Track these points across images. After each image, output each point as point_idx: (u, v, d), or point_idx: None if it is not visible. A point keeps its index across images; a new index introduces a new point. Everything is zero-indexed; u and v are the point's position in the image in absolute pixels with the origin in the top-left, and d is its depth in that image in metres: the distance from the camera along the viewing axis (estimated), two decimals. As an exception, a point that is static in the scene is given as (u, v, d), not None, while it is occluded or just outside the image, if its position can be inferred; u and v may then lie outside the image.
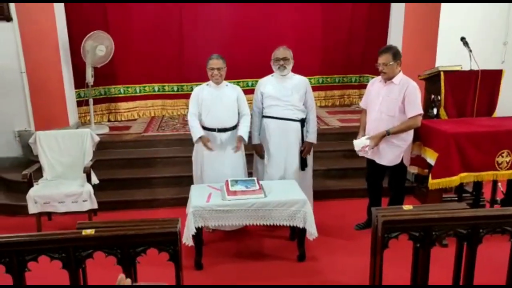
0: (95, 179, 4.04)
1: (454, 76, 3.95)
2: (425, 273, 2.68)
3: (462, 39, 4.09)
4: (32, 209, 3.67)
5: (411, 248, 2.68)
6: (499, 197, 4.03)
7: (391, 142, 3.46)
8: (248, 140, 3.70)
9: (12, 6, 4.74)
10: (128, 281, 1.32)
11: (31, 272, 2.36)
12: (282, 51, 3.65)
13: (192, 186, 3.54)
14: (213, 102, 3.61)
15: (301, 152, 3.77)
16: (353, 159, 5.05)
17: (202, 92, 3.67)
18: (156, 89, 6.49)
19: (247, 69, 6.27)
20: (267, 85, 3.73)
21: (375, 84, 3.55)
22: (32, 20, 4.86)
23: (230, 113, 3.65)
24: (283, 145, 3.71)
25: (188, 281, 2.85)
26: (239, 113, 3.72)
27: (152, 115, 6.46)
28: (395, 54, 3.33)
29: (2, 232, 2.66)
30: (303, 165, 3.82)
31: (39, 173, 4.07)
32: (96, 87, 5.90)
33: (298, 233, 3.35)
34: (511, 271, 2.63)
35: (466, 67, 4.01)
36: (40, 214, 3.79)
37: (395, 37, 5.68)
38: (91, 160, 4.02)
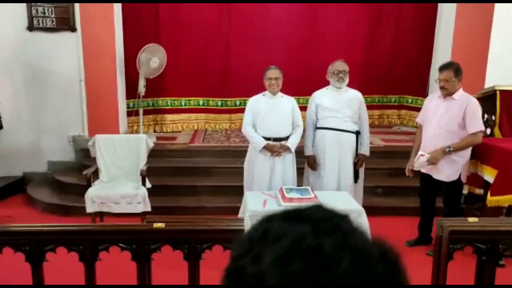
0: (148, 183, 4.15)
1: (511, 96, 3.93)
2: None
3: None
4: (90, 208, 3.80)
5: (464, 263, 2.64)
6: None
7: (449, 158, 3.44)
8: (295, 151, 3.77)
9: (77, 17, 5.02)
10: None
11: (102, 262, 2.45)
12: (342, 64, 3.74)
13: (247, 193, 3.60)
14: (269, 112, 3.71)
15: (355, 164, 3.80)
16: (399, 177, 5.00)
17: (258, 102, 3.78)
18: (201, 103, 6.65)
19: (292, 87, 6.36)
20: (323, 97, 3.80)
21: (433, 100, 3.57)
22: (93, 32, 5.13)
23: (285, 123, 3.73)
24: (339, 156, 3.75)
25: None
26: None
27: (196, 128, 6.61)
28: (457, 71, 3.35)
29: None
30: (355, 177, 3.84)
31: (94, 175, 4.22)
32: (145, 99, 6.11)
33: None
34: None
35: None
36: (95, 214, 3.92)
37: (442, 58, 5.69)
38: (145, 165, 4.15)
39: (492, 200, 3.26)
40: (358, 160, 3.81)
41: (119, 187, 3.97)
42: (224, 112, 6.69)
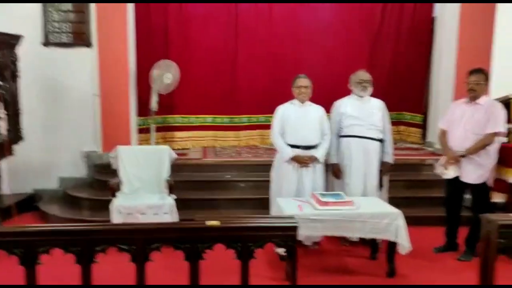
0: (173, 195, 4.10)
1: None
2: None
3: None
4: (116, 219, 3.72)
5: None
6: None
7: (473, 160, 3.52)
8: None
9: (93, 32, 5.05)
10: None
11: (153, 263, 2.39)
12: (364, 74, 3.84)
13: (278, 199, 3.58)
14: (299, 120, 3.75)
15: (380, 171, 3.84)
16: (415, 188, 5.10)
17: (287, 110, 3.82)
18: (209, 120, 6.67)
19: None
20: (347, 105, 3.88)
21: (459, 106, 3.67)
22: (109, 47, 5.15)
23: (314, 131, 3.77)
24: (364, 163, 3.80)
25: None
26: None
27: (204, 145, 6.59)
28: (486, 76, 3.50)
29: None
30: (380, 185, 3.88)
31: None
32: (155, 116, 6.10)
33: (388, 248, 3.34)
34: None
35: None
36: (119, 226, 3.83)
37: (439, 75, 5.92)
38: (169, 176, 4.11)
39: (522, 201, 3.32)
40: (383, 167, 3.85)
41: (145, 197, 3.91)
42: (231, 129, 6.72)
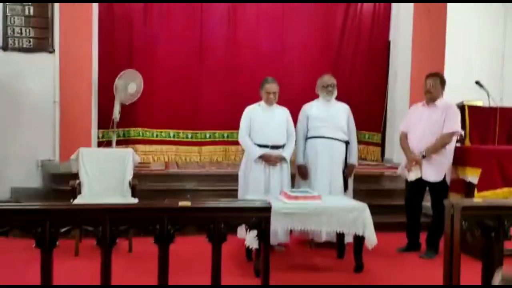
0: (136, 199, 3.97)
1: (477, 111, 4.35)
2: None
3: (477, 82, 4.55)
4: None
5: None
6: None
7: (433, 159, 3.69)
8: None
9: (56, 38, 4.95)
10: None
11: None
12: (330, 78, 3.99)
13: (248, 196, 3.56)
14: (266, 120, 3.82)
15: (344, 173, 3.93)
16: (376, 197, 5.23)
17: (254, 111, 3.88)
18: (172, 135, 6.61)
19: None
20: (313, 108, 4.00)
21: (417, 109, 3.89)
22: (71, 55, 5.05)
23: (281, 131, 3.85)
24: (330, 163, 3.88)
25: None
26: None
27: (166, 160, 6.48)
28: (442, 79, 3.76)
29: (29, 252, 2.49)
30: (344, 187, 3.95)
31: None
32: (116, 129, 5.97)
33: (355, 243, 3.37)
34: None
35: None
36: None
37: (394, 95, 6.27)
38: (133, 178, 4.00)
39: (479, 195, 3.49)
40: (348, 169, 3.95)
41: (107, 198, 3.76)
42: (194, 144, 6.66)
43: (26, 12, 4.92)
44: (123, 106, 5.55)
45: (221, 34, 6.67)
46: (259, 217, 2.44)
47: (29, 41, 4.93)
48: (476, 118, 4.33)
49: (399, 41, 6.52)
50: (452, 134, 3.67)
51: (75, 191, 3.71)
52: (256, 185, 3.74)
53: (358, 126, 7.29)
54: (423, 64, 5.98)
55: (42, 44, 4.96)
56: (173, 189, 4.99)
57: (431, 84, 3.73)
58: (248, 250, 3.46)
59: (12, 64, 4.87)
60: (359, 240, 3.31)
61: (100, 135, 5.93)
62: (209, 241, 2.43)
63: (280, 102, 4.09)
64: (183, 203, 2.40)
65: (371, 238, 3.24)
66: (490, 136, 4.35)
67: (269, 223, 2.45)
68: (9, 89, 4.91)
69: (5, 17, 4.89)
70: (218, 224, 2.39)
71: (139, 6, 6.19)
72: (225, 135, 6.74)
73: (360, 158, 7.37)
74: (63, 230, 2.25)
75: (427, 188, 3.89)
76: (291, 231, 3.79)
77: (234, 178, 4.84)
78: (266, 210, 2.45)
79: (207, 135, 6.75)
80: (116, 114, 5.45)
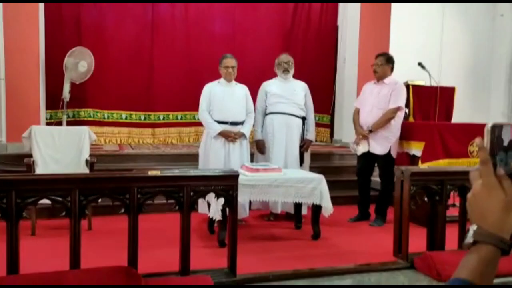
0: (93, 176, 3.91)
1: (420, 90, 4.68)
2: (443, 229, 3.03)
3: (419, 64, 4.89)
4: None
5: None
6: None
7: (379, 133, 3.96)
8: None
9: (0, 13, 4.69)
10: None
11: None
12: (286, 56, 4.11)
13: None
14: (225, 97, 3.89)
15: (301, 147, 4.11)
16: (328, 174, 5.39)
17: (214, 89, 3.93)
18: (124, 116, 6.48)
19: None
20: (271, 85, 4.12)
21: (369, 86, 4.13)
22: (17, 31, 4.81)
23: (240, 108, 3.93)
24: (286, 139, 4.03)
25: (216, 258, 2.87)
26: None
27: (118, 142, 6.36)
28: (388, 59, 3.98)
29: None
30: (300, 161, 4.14)
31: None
32: (66, 110, 5.77)
33: (313, 212, 3.56)
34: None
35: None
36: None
37: (343, 78, 6.54)
38: (89, 156, 3.93)
39: (423, 166, 3.79)
40: (304, 144, 4.13)
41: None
42: (147, 126, 6.58)
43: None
44: (73, 86, 5.38)
45: (173, 12, 6.60)
46: (227, 185, 2.54)
47: (-30, 15, 4.63)
48: (419, 96, 4.67)
49: (347, 26, 6.79)
50: (396, 109, 3.94)
51: (31, 170, 3.59)
52: (216, 161, 3.81)
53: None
54: (369, 48, 6.27)
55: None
56: (129, 170, 4.93)
57: (377, 64, 3.97)
58: (211, 223, 3.55)
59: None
60: (316, 209, 3.50)
61: (48, 116, 5.71)
62: (178, 209, 2.50)
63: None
64: (152, 173, 2.44)
65: (328, 207, 3.44)
66: (432, 113, 4.71)
67: (236, 191, 2.55)
68: None
69: None
70: (187, 193, 2.46)
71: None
72: (179, 116, 6.72)
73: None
74: (30, 200, 2.22)
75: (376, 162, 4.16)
76: (250, 206, 3.93)
77: (191, 157, 4.90)
78: (233, 178, 2.55)
79: (161, 117, 6.69)
80: (66, 93, 5.28)
